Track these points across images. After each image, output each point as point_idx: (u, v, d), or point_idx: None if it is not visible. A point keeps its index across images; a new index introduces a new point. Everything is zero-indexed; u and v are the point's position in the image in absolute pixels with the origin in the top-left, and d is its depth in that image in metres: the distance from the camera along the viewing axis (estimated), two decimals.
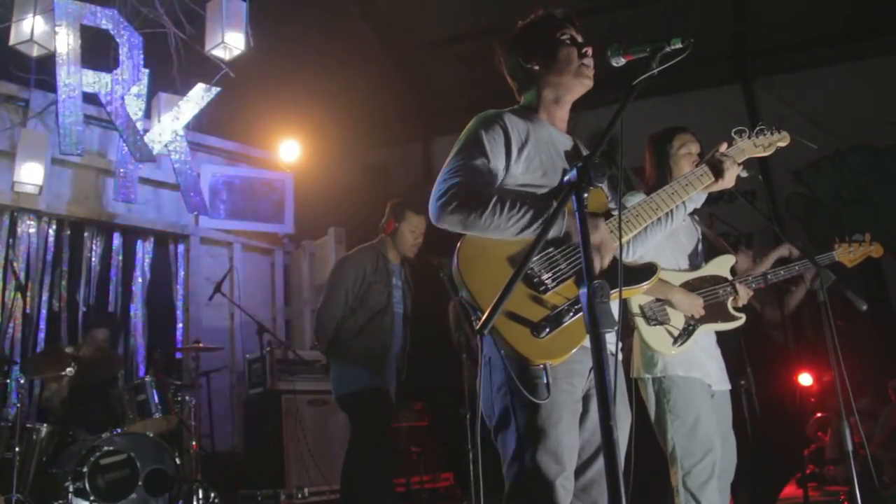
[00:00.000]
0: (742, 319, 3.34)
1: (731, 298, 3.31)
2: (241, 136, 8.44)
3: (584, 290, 1.56)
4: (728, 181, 2.53)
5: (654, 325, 3.19)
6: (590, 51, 2.44)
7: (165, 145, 6.52)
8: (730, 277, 3.36)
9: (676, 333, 3.18)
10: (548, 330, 2.04)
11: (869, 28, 9.04)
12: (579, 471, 2.19)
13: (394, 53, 9.99)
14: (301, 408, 6.41)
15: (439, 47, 9.78)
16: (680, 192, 2.44)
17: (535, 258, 2.10)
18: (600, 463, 2.15)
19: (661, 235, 2.53)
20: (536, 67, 2.50)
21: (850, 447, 3.18)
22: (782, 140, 2.77)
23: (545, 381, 2.03)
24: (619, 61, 2.07)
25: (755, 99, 9.87)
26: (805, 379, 7.44)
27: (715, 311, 3.28)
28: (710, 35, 8.77)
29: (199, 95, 6.59)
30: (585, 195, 1.65)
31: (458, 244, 2.21)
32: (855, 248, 3.45)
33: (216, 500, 5.48)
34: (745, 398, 4.74)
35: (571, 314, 2.07)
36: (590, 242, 1.63)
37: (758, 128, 2.71)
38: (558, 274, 2.15)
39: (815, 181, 9.59)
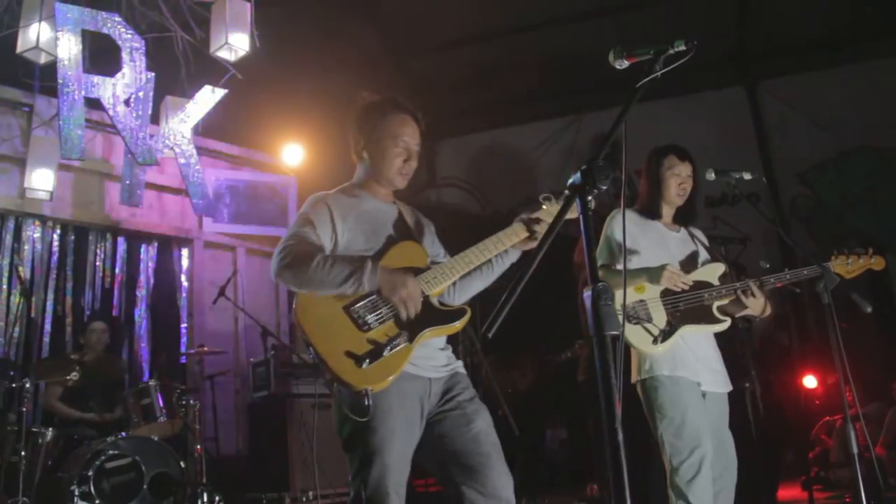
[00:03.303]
0: (727, 323, 3.39)
1: (716, 303, 3.37)
2: (245, 140, 8.45)
3: (587, 293, 1.58)
4: (534, 242, 2.79)
5: (634, 323, 3.27)
6: (413, 163, 2.82)
7: (172, 148, 6.54)
8: (716, 283, 3.41)
9: (656, 332, 3.26)
10: (368, 361, 2.43)
11: (873, 30, 9.03)
12: (478, 476, 2.50)
13: (396, 57, 10.01)
14: (305, 411, 6.40)
15: (442, 50, 9.80)
16: (490, 248, 2.75)
17: (361, 303, 2.53)
18: (473, 447, 2.53)
19: (483, 285, 2.89)
20: (365, 154, 2.84)
21: (855, 449, 3.18)
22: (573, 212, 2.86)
23: (367, 403, 2.40)
24: (622, 64, 2.08)
25: (759, 101, 9.87)
26: (809, 381, 7.43)
27: (699, 314, 3.34)
28: (713, 37, 8.76)
29: (205, 98, 6.60)
30: (590, 198, 1.68)
31: (295, 298, 2.58)
32: (854, 261, 3.38)
33: None
34: (750, 401, 4.73)
35: (389, 348, 2.47)
36: (594, 245, 1.64)
37: (561, 195, 2.80)
38: (380, 316, 2.53)
39: (818, 183, 9.58)
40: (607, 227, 3.52)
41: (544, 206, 2.82)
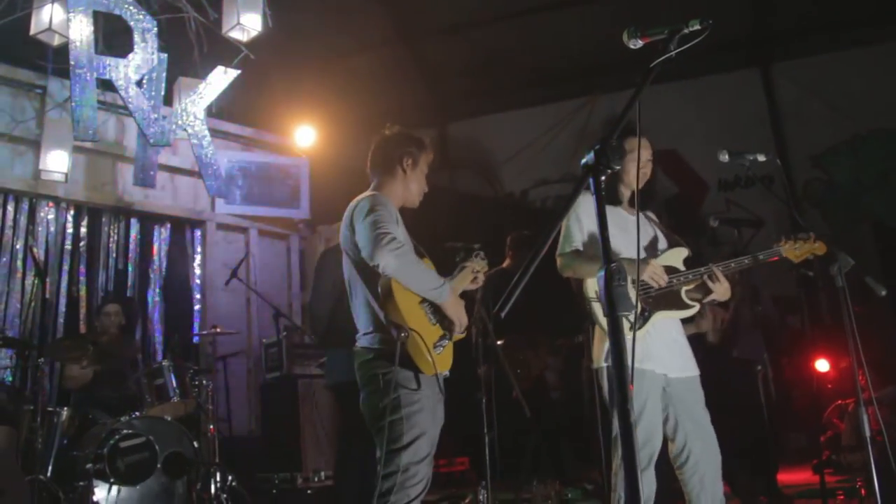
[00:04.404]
0: (696, 308, 3.38)
1: (683, 288, 3.36)
2: (257, 121, 8.45)
3: (601, 273, 1.58)
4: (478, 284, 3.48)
5: None
6: (426, 189, 3.47)
7: (185, 129, 6.55)
8: (682, 268, 3.40)
9: (632, 318, 3.23)
10: (439, 349, 3.10)
11: (889, 12, 8.92)
12: None
13: (408, 38, 9.98)
14: (317, 392, 6.44)
15: (453, 32, 9.76)
16: (462, 282, 3.37)
17: (426, 303, 3.10)
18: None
19: None
20: (409, 171, 3.37)
21: (867, 434, 3.17)
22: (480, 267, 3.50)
23: (439, 383, 3.10)
24: (636, 43, 2.06)
25: (773, 83, 9.79)
26: (822, 365, 7.41)
27: (669, 300, 3.33)
28: (728, 18, 8.68)
29: (218, 79, 6.60)
30: (603, 178, 1.67)
31: (391, 284, 2.99)
32: (800, 245, 3.46)
33: (234, 484, 5.53)
34: (762, 384, 4.73)
35: (447, 341, 3.16)
36: (606, 225, 1.64)
37: (479, 254, 3.51)
38: (436, 317, 3.14)
39: (833, 166, 9.52)
40: (574, 212, 3.45)
41: (474, 260, 3.47)
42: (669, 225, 3.68)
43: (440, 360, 3.08)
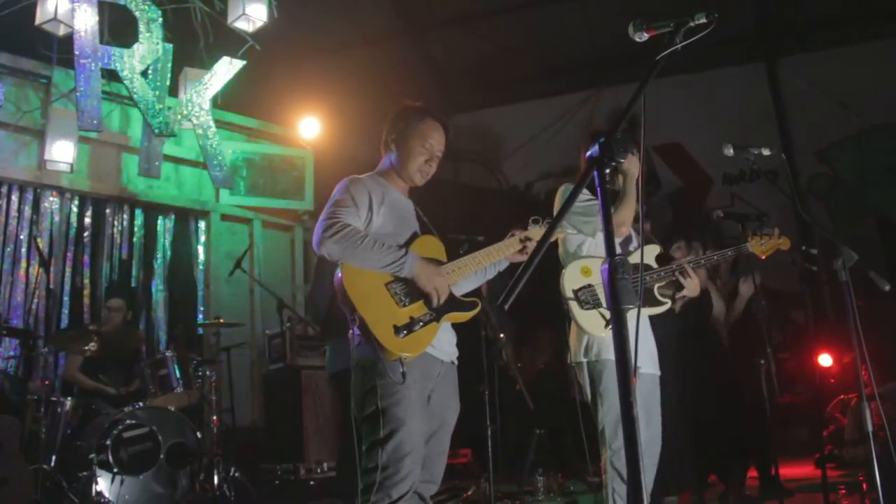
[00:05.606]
0: (667, 305, 3.42)
1: (656, 285, 3.39)
2: (262, 113, 8.44)
3: (605, 266, 1.58)
4: (526, 255, 3.16)
5: (588, 308, 3.28)
6: (434, 165, 3.13)
7: (190, 120, 6.55)
8: (655, 265, 3.43)
9: (608, 317, 3.24)
10: (405, 332, 2.76)
11: None
12: (428, 464, 2.88)
13: (414, 31, 9.95)
14: (320, 383, 6.46)
15: (459, 25, 9.73)
16: (493, 254, 3.13)
17: (398, 283, 2.84)
18: (434, 444, 2.91)
19: (474, 286, 3.25)
20: (394, 147, 3.12)
21: (869, 428, 3.18)
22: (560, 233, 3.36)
23: (401, 369, 2.73)
24: (641, 36, 2.05)
25: (779, 77, 9.76)
26: (825, 360, 7.41)
27: (644, 297, 3.34)
28: (733, 12, 8.65)
29: (223, 69, 6.60)
30: (608, 171, 1.67)
31: (341, 269, 2.83)
32: (766, 241, 3.53)
33: (237, 475, 5.55)
34: (765, 379, 4.72)
35: (421, 324, 2.81)
36: (612, 218, 1.64)
37: (546, 220, 3.18)
38: (412, 296, 2.86)
39: (838, 161, 9.49)
40: (560, 203, 3.47)
41: (530, 228, 3.20)
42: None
43: (409, 343, 2.76)
